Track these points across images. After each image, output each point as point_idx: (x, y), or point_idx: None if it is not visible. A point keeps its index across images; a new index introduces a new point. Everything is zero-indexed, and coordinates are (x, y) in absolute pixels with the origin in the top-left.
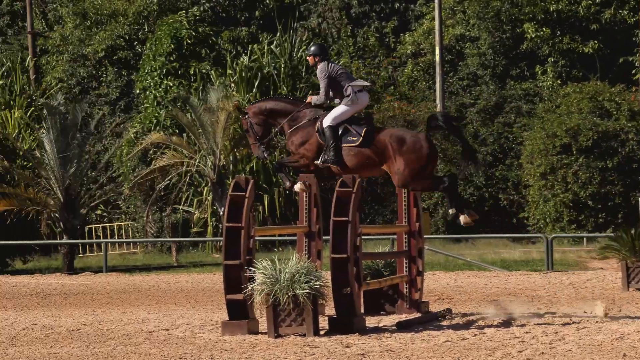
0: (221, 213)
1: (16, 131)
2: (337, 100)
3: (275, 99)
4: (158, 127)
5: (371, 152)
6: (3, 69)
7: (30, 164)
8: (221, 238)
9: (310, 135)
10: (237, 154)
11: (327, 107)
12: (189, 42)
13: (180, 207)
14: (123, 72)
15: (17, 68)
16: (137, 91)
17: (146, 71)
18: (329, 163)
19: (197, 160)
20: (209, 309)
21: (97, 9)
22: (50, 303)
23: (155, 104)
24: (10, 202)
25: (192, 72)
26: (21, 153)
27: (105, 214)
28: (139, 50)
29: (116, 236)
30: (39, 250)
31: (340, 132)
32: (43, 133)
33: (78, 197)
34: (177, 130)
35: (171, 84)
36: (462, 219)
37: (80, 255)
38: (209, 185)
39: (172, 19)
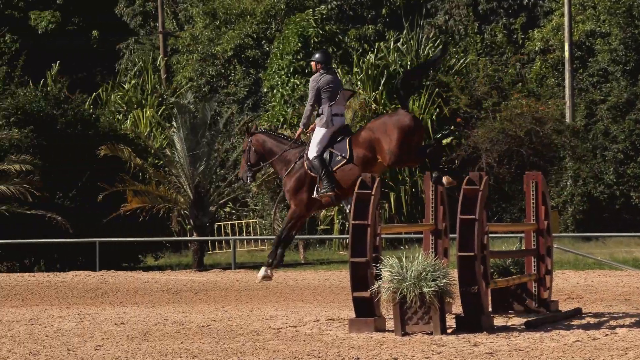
0: (347, 211)
1: (148, 130)
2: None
3: (276, 139)
4: (285, 125)
5: (365, 153)
6: (135, 68)
7: (161, 162)
8: (347, 236)
9: (303, 177)
10: None
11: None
12: (316, 40)
13: None
14: (251, 71)
15: (148, 68)
16: (265, 89)
17: (274, 70)
18: (325, 193)
19: None
20: (335, 306)
21: (226, 9)
22: (181, 299)
23: (283, 102)
24: (142, 199)
25: None
26: (152, 151)
27: (233, 211)
28: (267, 48)
29: (244, 233)
30: (170, 247)
31: (327, 157)
32: (173, 132)
33: (207, 195)
34: None
35: (298, 82)
36: (445, 179)
37: (210, 252)
38: None
39: (299, 18)
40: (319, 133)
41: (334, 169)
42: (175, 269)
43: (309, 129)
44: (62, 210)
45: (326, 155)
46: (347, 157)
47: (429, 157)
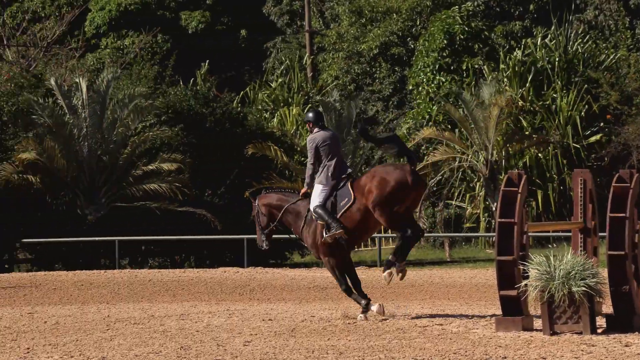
0: (494, 208)
1: (294, 128)
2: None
3: (283, 194)
4: (430, 123)
5: (362, 200)
6: (282, 67)
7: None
8: (494, 234)
9: (320, 233)
10: (510, 149)
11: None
12: (462, 37)
13: (453, 202)
14: (396, 69)
15: (295, 66)
16: (410, 87)
17: (419, 67)
18: (335, 233)
19: (470, 156)
20: (482, 304)
21: (372, 7)
22: (327, 296)
23: (428, 99)
24: None
25: (464, 67)
26: (299, 149)
27: None
28: (412, 46)
29: (389, 231)
30: None
31: (331, 205)
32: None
33: None
34: (449, 126)
35: (444, 80)
36: (387, 274)
37: (355, 249)
38: (481, 180)
39: (445, 15)
40: (318, 187)
41: (339, 214)
42: (321, 266)
43: (308, 180)
44: (211, 208)
45: (329, 204)
46: (351, 200)
47: (402, 239)
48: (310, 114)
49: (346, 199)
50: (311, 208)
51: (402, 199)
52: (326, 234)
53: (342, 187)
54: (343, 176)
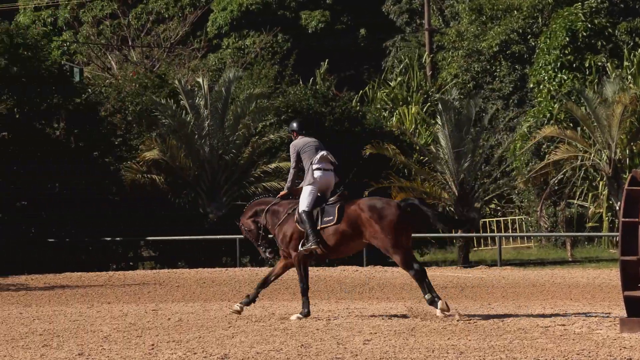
0: (617, 208)
1: (413, 127)
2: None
3: (257, 202)
4: (552, 121)
5: (346, 226)
6: (401, 66)
7: (426, 158)
8: (617, 233)
9: (293, 228)
10: (634, 148)
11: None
12: (585, 34)
13: (575, 201)
14: (517, 67)
15: (414, 65)
16: (531, 85)
17: (540, 65)
18: (310, 247)
19: (592, 154)
20: (605, 305)
21: (492, 4)
22: (447, 295)
23: (549, 97)
24: (408, 195)
25: (587, 64)
26: (417, 148)
27: (499, 207)
28: (533, 43)
29: (510, 230)
30: (435, 243)
31: (316, 215)
32: (438, 128)
33: (472, 191)
34: (571, 124)
35: (565, 77)
36: (440, 305)
37: (475, 248)
38: (605, 179)
39: (567, 12)
40: (306, 190)
41: (320, 226)
42: (440, 265)
43: (297, 188)
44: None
45: (316, 212)
46: (335, 220)
47: (416, 278)
48: (295, 124)
49: (331, 217)
50: (299, 210)
51: (397, 233)
52: (302, 245)
53: (332, 204)
54: (331, 179)
